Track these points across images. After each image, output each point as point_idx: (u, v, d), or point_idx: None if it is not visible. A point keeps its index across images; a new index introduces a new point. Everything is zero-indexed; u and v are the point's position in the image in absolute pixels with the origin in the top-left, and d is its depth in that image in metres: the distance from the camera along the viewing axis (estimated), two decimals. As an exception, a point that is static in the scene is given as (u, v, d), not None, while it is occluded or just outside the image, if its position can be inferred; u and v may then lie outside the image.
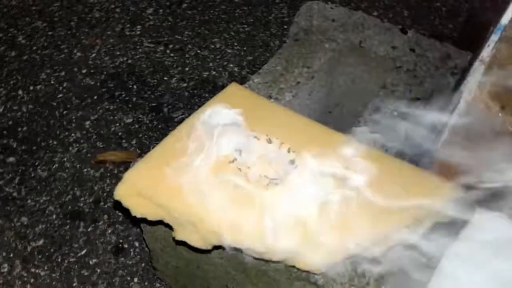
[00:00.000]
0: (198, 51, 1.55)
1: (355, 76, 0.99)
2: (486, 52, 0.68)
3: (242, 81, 1.45)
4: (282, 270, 0.62)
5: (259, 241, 0.56)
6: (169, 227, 0.62)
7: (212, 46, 1.56)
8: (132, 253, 1.02)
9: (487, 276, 0.55)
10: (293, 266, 0.59)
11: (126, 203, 0.62)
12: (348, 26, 0.96)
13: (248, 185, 0.61)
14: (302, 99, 0.88)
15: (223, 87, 1.44)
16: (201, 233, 0.58)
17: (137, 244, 1.04)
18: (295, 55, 0.91)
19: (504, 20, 0.65)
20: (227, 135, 0.66)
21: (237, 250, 0.58)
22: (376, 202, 0.61)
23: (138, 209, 0.61)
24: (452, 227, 0.63)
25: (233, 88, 0.75)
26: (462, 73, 0.83)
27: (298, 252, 0.57)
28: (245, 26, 1.63)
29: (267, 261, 0.58)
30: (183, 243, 0.60)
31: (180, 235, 0.60)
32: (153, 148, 0.69)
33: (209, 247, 0.60)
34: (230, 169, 0.64)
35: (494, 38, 0.68)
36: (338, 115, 0.98)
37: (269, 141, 0.68)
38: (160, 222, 0.62)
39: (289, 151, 0.66)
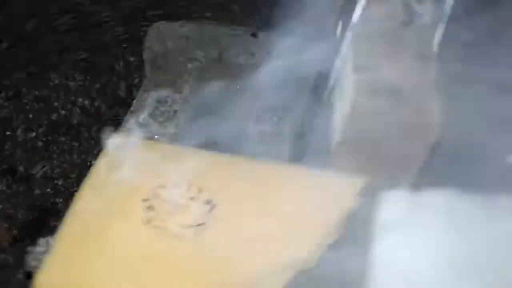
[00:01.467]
0: (37, 92, 1.40)
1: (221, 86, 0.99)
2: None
3: (104, 112, 1.36)
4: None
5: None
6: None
7: (51, 83, 1.42)
8: None
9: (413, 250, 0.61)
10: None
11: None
12: (204, 42, 0.96)
13: (177, 243, 0.58)
14: (184, 127, 0.85)
15: (78, 125, 1.34)
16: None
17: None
18: (162, 84, 0.88)
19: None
20: (135, 191, 0.61)
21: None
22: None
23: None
24: (364, 220, 0.68)
25: (114, 142, 0.70)
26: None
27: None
28: (81, 53, 1.51)
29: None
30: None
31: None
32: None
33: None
34: (149, 231, 0.60)
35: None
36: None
37: (176, 186, 0.65)
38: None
39: (200, 191, 0.64)
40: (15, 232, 1.10)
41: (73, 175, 1.21)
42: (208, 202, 0.63)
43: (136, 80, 1.46)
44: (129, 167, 0.65)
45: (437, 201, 0.65)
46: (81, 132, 1.32)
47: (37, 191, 1.18)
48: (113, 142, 0.69)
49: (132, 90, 1.43)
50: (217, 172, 0.67)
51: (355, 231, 0.67)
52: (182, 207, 0.62)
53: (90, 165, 1.24)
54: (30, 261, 0.65)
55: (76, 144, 1.29)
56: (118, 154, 0.67)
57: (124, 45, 1.55)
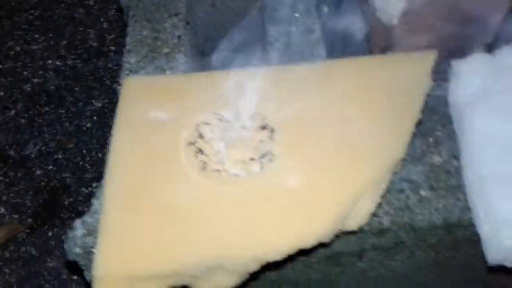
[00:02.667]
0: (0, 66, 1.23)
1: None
2: None
3: (81, 69, 1.20)
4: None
5: (307, 237, 0.45)
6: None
7: (12, 53, 1.25)
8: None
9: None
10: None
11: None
12: None
13: (244, 184, 0.48)
14: (190, 53, 0.72)
15: (58, 89, 1.19)
16: (234, 270, 0.45)
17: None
18: (151, 9, 0.73)
19: None
20: (175, 136, 0.50)
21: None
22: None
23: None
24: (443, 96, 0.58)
25: (132, 85, 0.56)
26: None
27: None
28: (33, 10, 1.32)
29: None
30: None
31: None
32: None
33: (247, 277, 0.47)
34: (207, 179, 0.49)
35: None
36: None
37: (221, 118, 0.53)
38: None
39: (252, 117, 0.53)
40: (29, 221, 0.99)
41: (71, 145, 1.09)
42: (264, 127, 0.52)
43: (105, 25, 1.29)
44: (157, 109, 0.53)
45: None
46: (64, 97, 1.17)
47: (38, 172, 1.05)
48: (128, 85, 0.56)
49: (104, 37, 1.26)
50: (261, 90, 0.55)
51: (437, 109, 0.57)
52: (237, 141, 0.51)
53: (87, 130, 1.12)
54: (72, 248, 0.54)
55: (62, 111, 1.15)
56: (139, 97, 0.55)
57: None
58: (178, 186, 0.48)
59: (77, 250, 0.53)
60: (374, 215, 0.52)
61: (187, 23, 0.71)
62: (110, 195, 0.47)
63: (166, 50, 0.67)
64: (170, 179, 0.48)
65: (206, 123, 0.52)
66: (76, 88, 1.18)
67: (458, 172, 0.54)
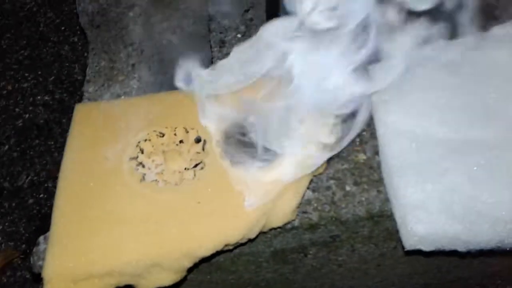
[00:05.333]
0: (-8, 105, 1.31)
1: (174, 26, 0.91)
2: None
3: (68, 102, 1.29)
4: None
5: (232, 233, 0.50)
6: None
7: (4, 92, 1.34)
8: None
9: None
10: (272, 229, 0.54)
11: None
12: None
13: (179, 191, 0.53)
14: (146, 78, 0.78)
15: (47, 123, 1.27)
16: (169, 267, 0.50)
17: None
18: (109, 41, 0.80)
19: None
20: (119, 153, 0.56)
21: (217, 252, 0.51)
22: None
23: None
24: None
25: (82, 111, 0.63)
26: None
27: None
28: (22, 51, 1.41)
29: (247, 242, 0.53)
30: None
31: (150, 286, 0.50)
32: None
33: (184, 274, 0.52)
34: (146, 188, 0.54)
35: None
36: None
37: (161, 135, 0.59)
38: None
39: (187, 131, 0.59)
40: (23, 247, 1.06)
41: (60, 173, 1.15)
42: (198, 140, 0.58)
43: (89, 59, 1.37)
44: (104, 131, 0.60)
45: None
46: (53, 129, 1.25)
47: (30, 200, 1.12)
48: (78, 111, 0.63)
49: (88, 70, 1.35)
50: (196, 108, 0.60)
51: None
52: (173, 154, 0.57)
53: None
54: (36, 262, 0.60)
55: (51, 142, 1.22)
56: (87, 121, 0.61)
57: (63, 27, 1.45)
58: (119, 195, 0.54)
59: (41, 263, 0.59)
60: (304, 212, 0.57)
61: (142, 51, 0.78)
62: (59, 207, 0.53)
63: (121, 78, 0.74)
64: (112, 190, 0.54)
65: (147, 140, 0.58)
66: (64, 120, 1.26)
67: (380, 167, 0.59)
